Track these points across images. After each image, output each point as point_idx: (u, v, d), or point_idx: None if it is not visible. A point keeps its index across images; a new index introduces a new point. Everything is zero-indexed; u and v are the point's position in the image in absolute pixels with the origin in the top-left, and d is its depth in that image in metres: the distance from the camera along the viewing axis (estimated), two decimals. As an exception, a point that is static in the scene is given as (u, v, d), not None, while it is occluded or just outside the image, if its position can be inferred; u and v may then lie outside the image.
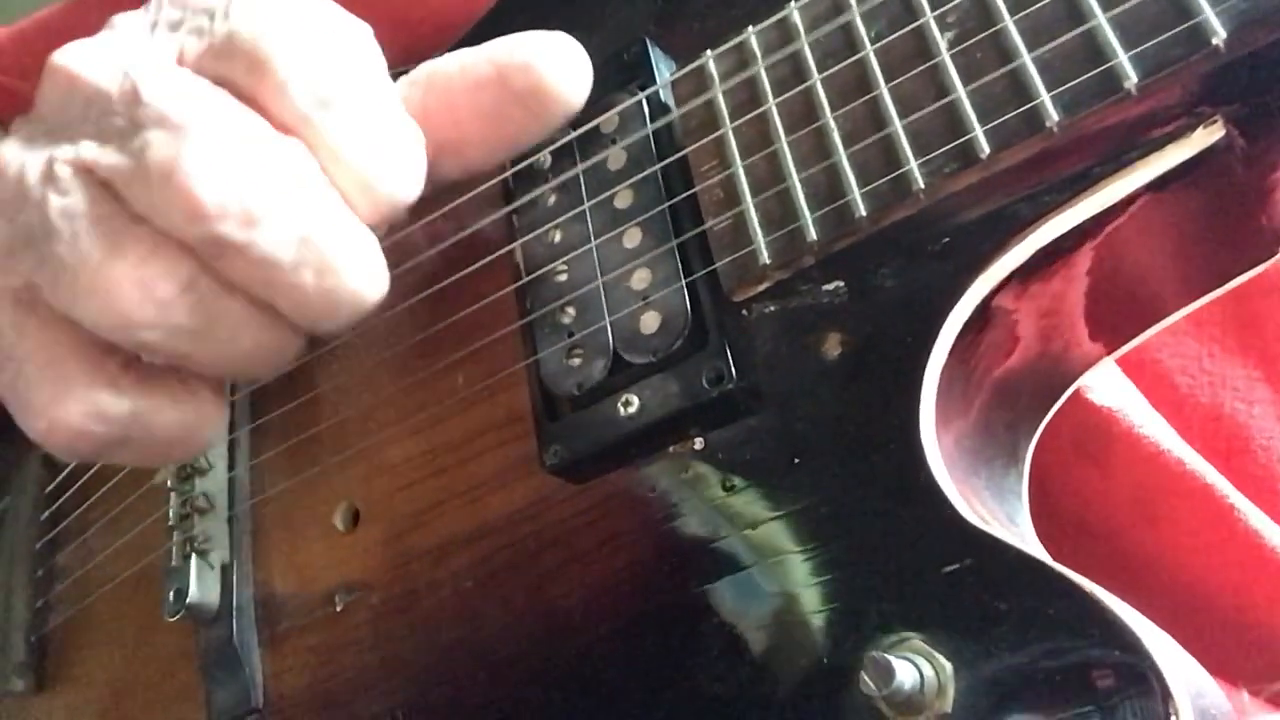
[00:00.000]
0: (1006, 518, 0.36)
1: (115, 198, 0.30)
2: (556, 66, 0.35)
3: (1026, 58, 0.31)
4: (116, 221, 0.30)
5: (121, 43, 0.32)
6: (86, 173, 0.30)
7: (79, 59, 0.32)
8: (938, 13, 0.33)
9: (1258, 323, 0.47)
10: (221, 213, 0.29)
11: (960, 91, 0.31)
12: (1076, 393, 0.40)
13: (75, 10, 0.56)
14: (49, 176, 0.31)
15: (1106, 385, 0.43)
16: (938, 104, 0.32)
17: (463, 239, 0.42)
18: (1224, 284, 0.36)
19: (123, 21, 0.34)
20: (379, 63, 0.34)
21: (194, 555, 0.45)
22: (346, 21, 0.34)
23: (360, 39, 0.34)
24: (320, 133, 0.31)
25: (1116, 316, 0.37)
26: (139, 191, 0.30)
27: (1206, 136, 0.31)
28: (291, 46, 0.31)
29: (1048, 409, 0.39)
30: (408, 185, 0.34)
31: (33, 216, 0.31)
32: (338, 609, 0.43)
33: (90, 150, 0.30)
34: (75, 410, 0.31)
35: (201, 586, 0.44)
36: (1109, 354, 0.39)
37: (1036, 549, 0.33)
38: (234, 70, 0.31)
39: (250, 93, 0.31)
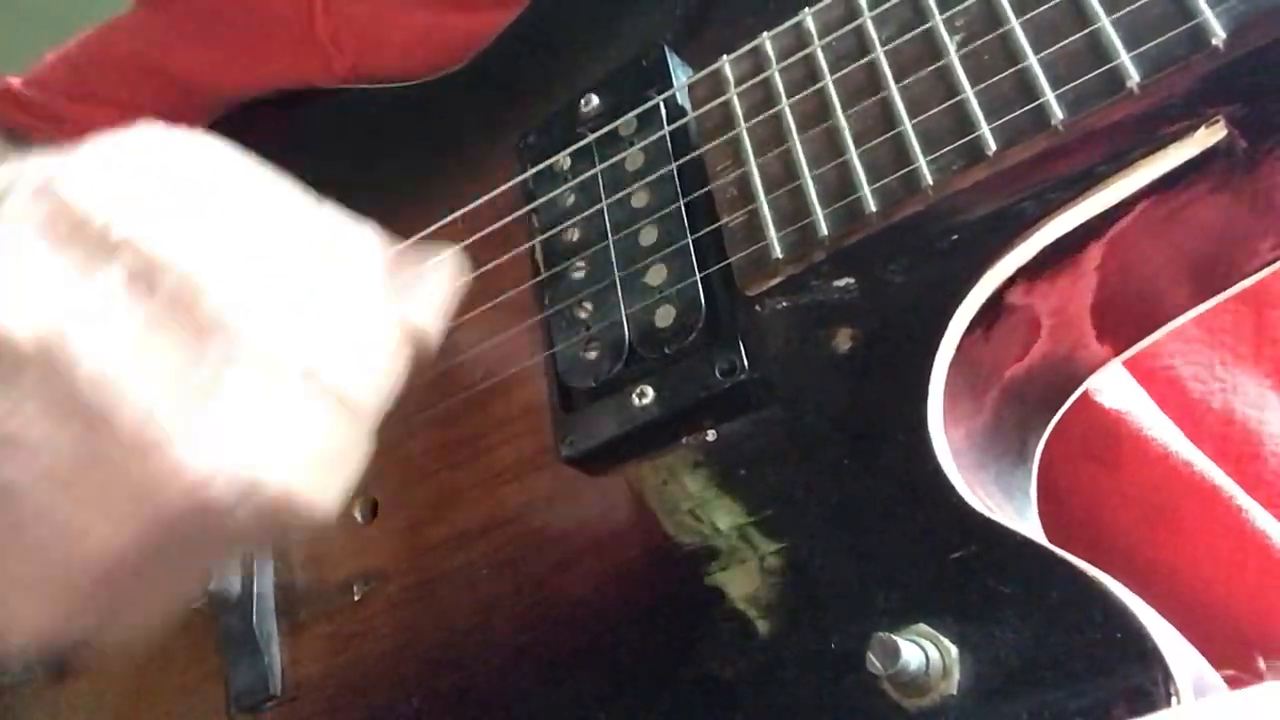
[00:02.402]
0: (1014, 513, 0.36)
1: (79, 464, 0.28)
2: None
3: (1032, 58, 0.32)
4: (83, 496, 0.28)
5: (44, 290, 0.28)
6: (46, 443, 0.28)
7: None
8: (946, 16, 0.34)
9: (1270, 331, 0.47)
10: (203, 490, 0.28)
11: (968, 91, 0.32)
12: (1085, 395, 0.41)
13: (97, 41, 0.58)
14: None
15: (1115, 388, 0.43)
16: (946, 103, 0.33)
17: (481, 238, 0.43)
18: (1229, 286, 0.37)
19: (28, 246, 0.29)
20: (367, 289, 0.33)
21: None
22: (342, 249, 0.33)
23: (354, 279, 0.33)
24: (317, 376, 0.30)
25: (1122, 317, 0.38)
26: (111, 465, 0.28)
27: (1208, 136, 0.32)
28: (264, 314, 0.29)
29: (1056, 409, 0.40)
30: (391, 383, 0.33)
31: None
32: (356, 598, 0.44)
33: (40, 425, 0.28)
34: (43, 631, 0.30)
35: (222, 575, 0.45)
36: (1116, 356, 0.39)
37: (1042, 540, 0.33)
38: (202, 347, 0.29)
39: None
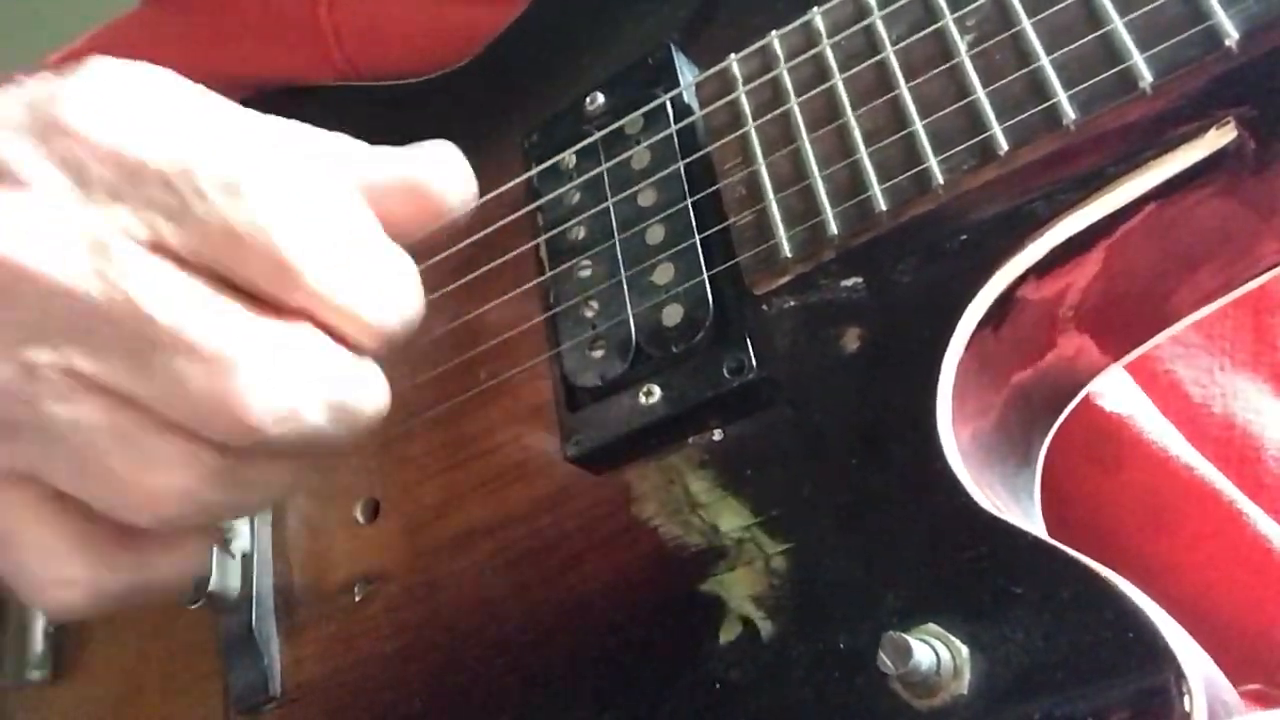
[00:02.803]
0: (1021, 514, 0.36)
1: (136, 409, 0.29)
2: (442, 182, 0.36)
3: (1044, 59, 0.32)
4: (146, 435, 0.29)
5: (69, 221, 0.28)
6: (95, 386, 0.28)
7: (31, 254, 0.28)
8: (957, 15, 0.34)
9: (1269, 336, 0.48)
10: (273, 427, 0.29)
11: (980, 91, 0.32)
12: (1087, 399, 0.41)
13: (99, 40, 0.58)
14: (32, 377, 0.28)
15: (1117, 392, 0.44)
16: (958, 103, 0.33)
17: (486, 236, 0.43)
18: (1234, 289, 0.37)
19: (38, 178, 0.28)
20: (361, 202, 0.33)
21: (215, 544, 0.45)
22: (328, 171, 0.33)
23: (341, 188, 0.32)
24: (335, 309, 0.31)
25: (1127, 320, 0.38)
26: (175, 412, 0.29)
27: (1219, 138, 0.32)
28: (293, 229, 0.30)
29: (1060, 412, 0.40)
30: (412, 314, 0.33)
31: (19, 414, 0.29)
32: (357, 599, 0.44)
33: (87, 362, 0.28)
34: (77, 594, 0.31)
35: (222, 575, 0.45)
36: (1117, 359, 0.39)
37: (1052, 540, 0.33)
38: (238, 264, 0.29)
39: (259, 286, 0.30)
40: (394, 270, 0.33)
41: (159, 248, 0.29)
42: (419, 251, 0.45)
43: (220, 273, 0.29)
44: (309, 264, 0.30)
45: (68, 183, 0.28)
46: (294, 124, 0.34)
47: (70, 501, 0.30)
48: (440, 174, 0.36)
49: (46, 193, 0.28)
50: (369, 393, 0.32)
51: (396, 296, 0.32)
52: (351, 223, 0.32)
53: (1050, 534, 0.36)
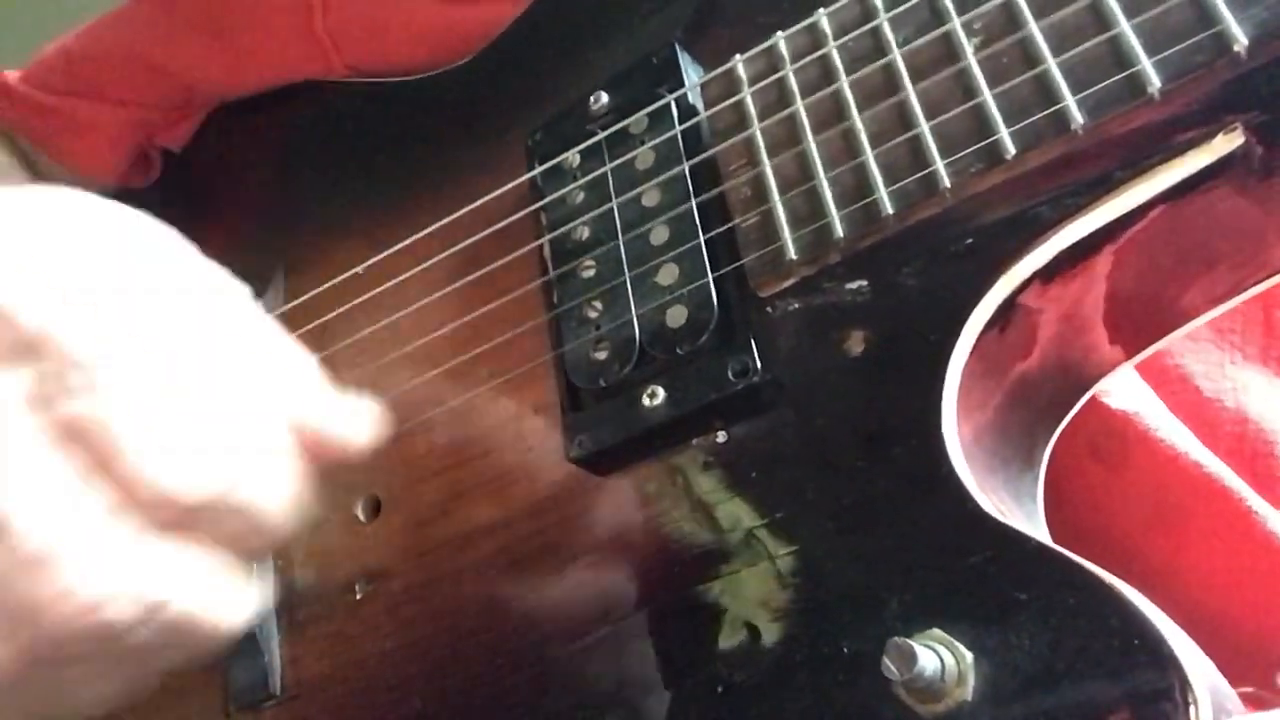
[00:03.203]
0: (1024, 518, 0.36)
1: None
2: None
3: (1051, 62, 0.31)
4: None
5: None
6: None
7: None
8: (964, 19, 0.34)
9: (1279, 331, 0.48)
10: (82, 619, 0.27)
11: (986, 94, 0.32)
12: (1092, 396, 0.41)
13: (92, 35, 0.58)
14: None
15: (1123, 389, 0.43)
16: (964, 106, 0.33)
17: (489, 235, 0.43)
18: (1242, 292, 0.37)
19: None
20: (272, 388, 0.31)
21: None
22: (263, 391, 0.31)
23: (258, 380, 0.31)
24: (198, 505, 0.28)
25: (1135, 322, 0.38)
26: None
27: (1226, 143, 0.32)
28: (137, 419, 0.28)
29: (1065, 413, 0.40)
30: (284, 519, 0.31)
31: None
32: (358, 597, 0.44)
33: None
34: None
35: (223, 573, 0.45)
36: (1127, 359, 0.39)
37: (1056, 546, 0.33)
38: (93, 464, 0.27)
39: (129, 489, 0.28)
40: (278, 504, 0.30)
41: (18, 412, 0.27)
42: (418, 255, 0.45)
43: (67, 454, 0.28)
44: (151, 474, 0.28)
45: None
46: (252, 323, 0.32)
47: None
48: (357, 442, 0.34)
49: None
50: (213, 611, 0.29)
51: (270, 521, 0.30)
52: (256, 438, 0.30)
53: (1054, 532, 0.36)
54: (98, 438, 0.27)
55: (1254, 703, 0.39)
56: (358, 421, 0.33)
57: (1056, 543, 0.35)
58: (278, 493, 0.30)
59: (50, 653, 0.27)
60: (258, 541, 0.30)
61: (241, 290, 0.33)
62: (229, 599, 0.30)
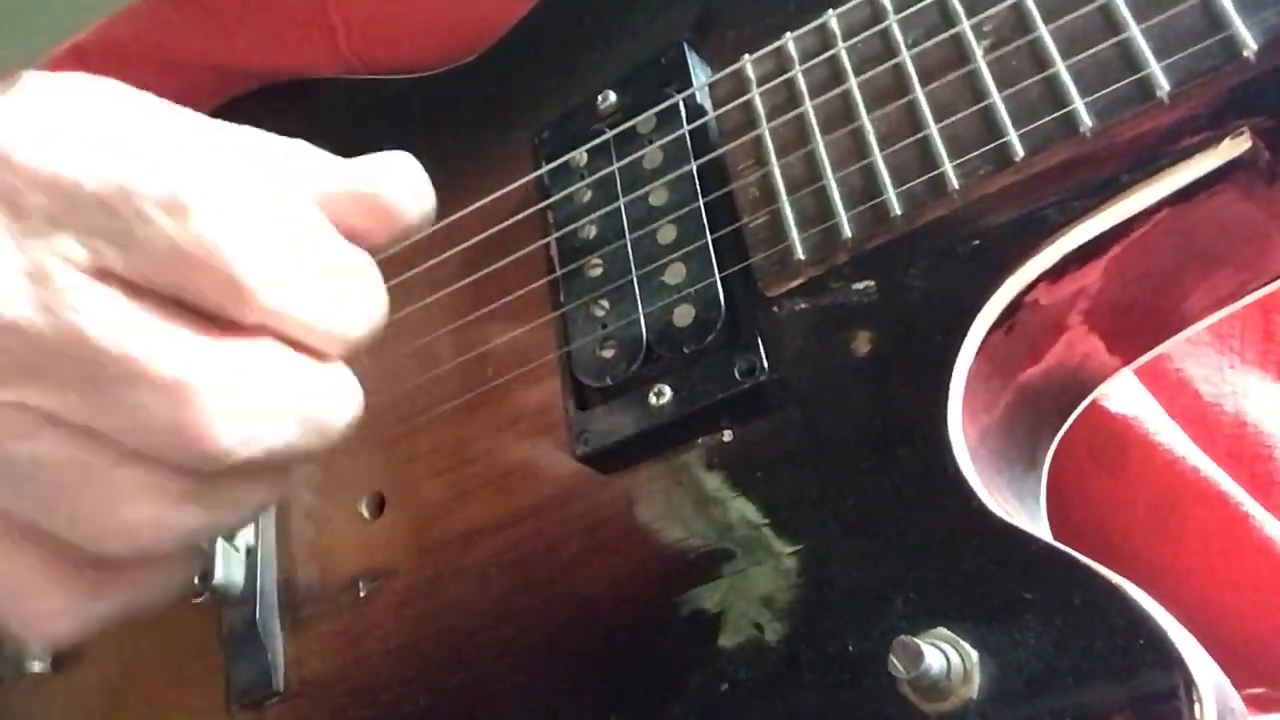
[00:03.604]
0: (1027, 519, 0.36)
1: (97, 441, 0.28)
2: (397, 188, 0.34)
3: (1061, 65, 0.32)
4: (109, 468, 0.28)
5: (6, 254, 0.27)
6: (52, 421, 0.27)
7: None
8: (974, 21, 0.34)
9: (1279, 335, 0.48)
10: (239, 449, 0.28)
11: (996, 96, 0.33)
12: (1093, 401, 0.41)
13: (104, 30, 0.58)
14: None
15: (1122, 393, 0.44)
16: (973, 108, 0.33)
17: (496, 233, 0.43)
18: (1244, 297, 0.37)
19: None
20: (314, 210, 0.32)
21: (220, 539, 0.45)
22: (280, 179, 0.31)
23: (293, 196, 0.31)
24: (294, 322, 0.29)
25: (1138, 325, 0.38)
26: (136, 442, 0.28)
27: (1233, 148, 0.32)
28: (243, 245, 0.28)
29: (1067, 416, 0.40)
30: (377, 319, 0.32)
31: None
32: (361, 595, 0.44)
33: (41, 397, 0.27)
34: (64, 624, 0.30)
35: (226, 569, 0.45)
36: (1127, 364, 0.39)
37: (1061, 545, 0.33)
38: (188, 285, 0.28)
39: (213, 306, 0.28)
40: (353, 276, 0.31)
41: (104, 274, 0.27)
42: (427, 248, 0.45)
43: (171, 294, 0.28)
44: (262, 280, 0.28)
45: (3, 214, 0.27)
46: (245, 131, 0.32)
47: (45, 534, 0.29)
48: (396, 186, 0.34)
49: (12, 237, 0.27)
50: (339, 403, 0.31)
51: (358, 303, 0.31)
52: (304, 231, 0.30)
53: (1055, 536, 0.36)
54: (198, 259, 0.28)
55: (1261, 704, 0.39)
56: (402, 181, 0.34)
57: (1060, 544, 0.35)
58: (366, 312, 0.32)
59: (223, 478, 0.29)
60: (345, 380, 0.32)
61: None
62: (345, 395, 0.31)
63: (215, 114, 0.59)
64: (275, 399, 0.29)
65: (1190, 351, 0.46)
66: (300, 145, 0.33)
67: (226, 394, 0.28)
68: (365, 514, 0.45)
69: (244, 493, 0.30)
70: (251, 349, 0.29)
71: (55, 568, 0.29)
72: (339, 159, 0.34)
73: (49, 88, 0.29)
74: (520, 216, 0.43)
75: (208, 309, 0.28)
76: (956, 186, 0.33)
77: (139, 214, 0.27)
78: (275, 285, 0.29)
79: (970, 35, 0.34)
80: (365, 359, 0.47)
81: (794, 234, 0.35)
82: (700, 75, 0.41)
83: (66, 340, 0.27)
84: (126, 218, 0.27)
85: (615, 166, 0.41)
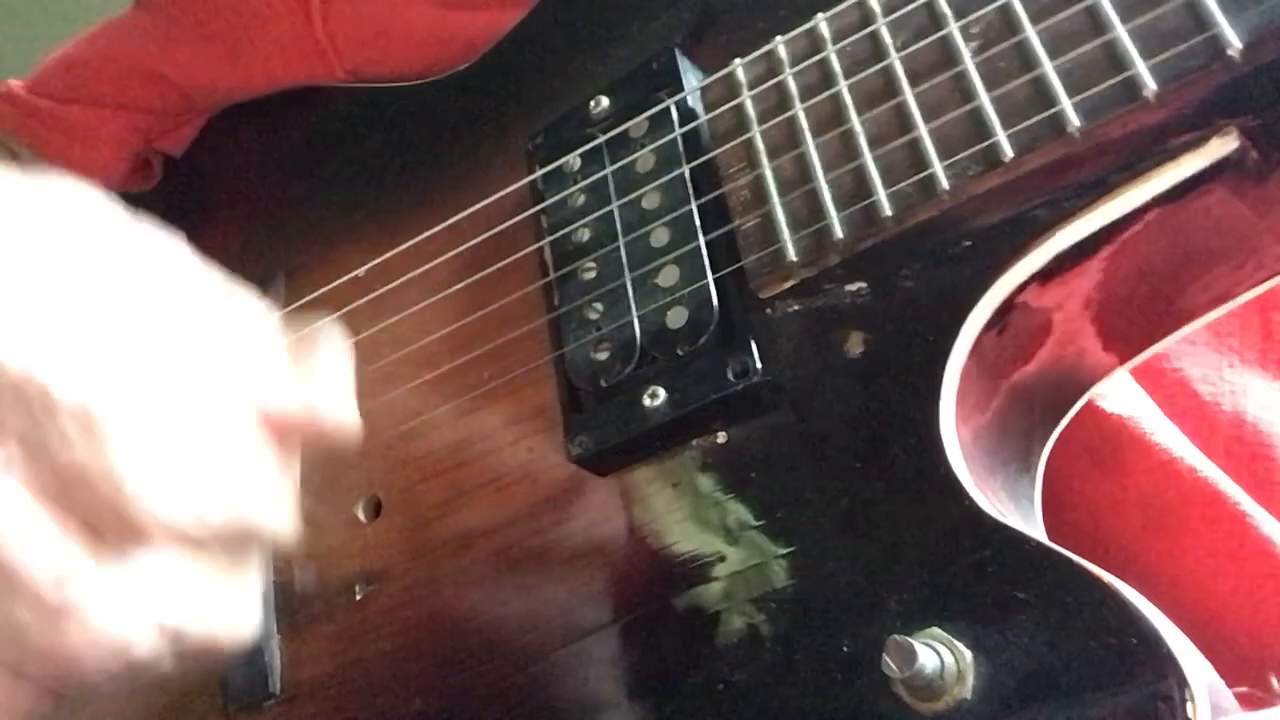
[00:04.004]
0: (1021, 520, 0.36)
1: None
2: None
3: (1048, 65, 0.32)
4: None
5: None
6: None
7: None
8: (962, 23, 0.34)
9: (1278, 333, 0.48)
10: (104, 674, 0.27)
11: (984, 97, 0.33)
12: (1088, 400, 0.41)
13: (92, 43, 0.58)
14: None
15: (1118, 393, 0.44)
16: (962, 109, 0.33)
17: (490, 238, 0.43)
18: (1237, 296, 0.37)
19: None
20: (241, 390, 0.30)
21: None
22: (228, 384, 0.30)
23: (235, 409, 0.30)
24: (196, 549, 0.28)
25: (1131, 325, 0.38)
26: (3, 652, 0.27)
27: (1221, 147, 0.32)
28: (153, 483, 0.27)
29: (1061, 417, 0.40)
30: (281, 520, 0.31)
31: None
32: (358, 597, 0.44)
33: None
34: None
35: (223, 574, 0.45)
36: (1122, 364, 0.39)
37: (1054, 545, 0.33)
38: (90, 506, 0.27)
39: (108, 529, 0.27)
40: (269, 510, 0.30)
41: (10, 469, 0.26)
42: (418, 257, 0.45)
43: (67, 508, 0.27)
44: (164, 521, 0.27)
45: None
46: (220, 301, 0.31)
47: None
48: (337, 412, 0.32)
49: None
50: (227, 625, 0.30)
51: (267, 530, 0.30)
52: (224, 451, 0.29)
53: (1051, 535, 0.37)
54: (99, 482, 0.27)
55: (1250, 702, 0.39)
56: (334, 401, 0.32)
57: (1054, 544, 0.35)
58: (278, 498, 0.30)
59: (75, 690, 0.28)
60: (260, 548, 0.31)
61: (240, 294, 0.32)
62: (243, 609, 0.30)
63: (213, 122, 0.59)
64: (150, 619, 0.27)
65: (1188, 350, 0.46)
66: (259, 323, 0.32)
67: (107, 621, 0.27)
68: (362, 517, 0.46)
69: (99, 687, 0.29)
70: (140, 570, 0.27)
71: None
72: (286, 376, 0.32)
73: (10, 213, 0.28)
74: (514, 221, 0.43)
75: (104, 530, 0.27)
76: (946, 187, 0.33)
77: (54, 422, 0.26)
78: (178, 525, 0.28)
79: (958, 37, 0.34)
80: (361, 363, 0.47)
81: (786, 236, 0.35)
82: (692, 79, 0.41)
83: None
84: (41, 421, 0.26)
85: (608, 170, 0.41)
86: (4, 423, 0.26)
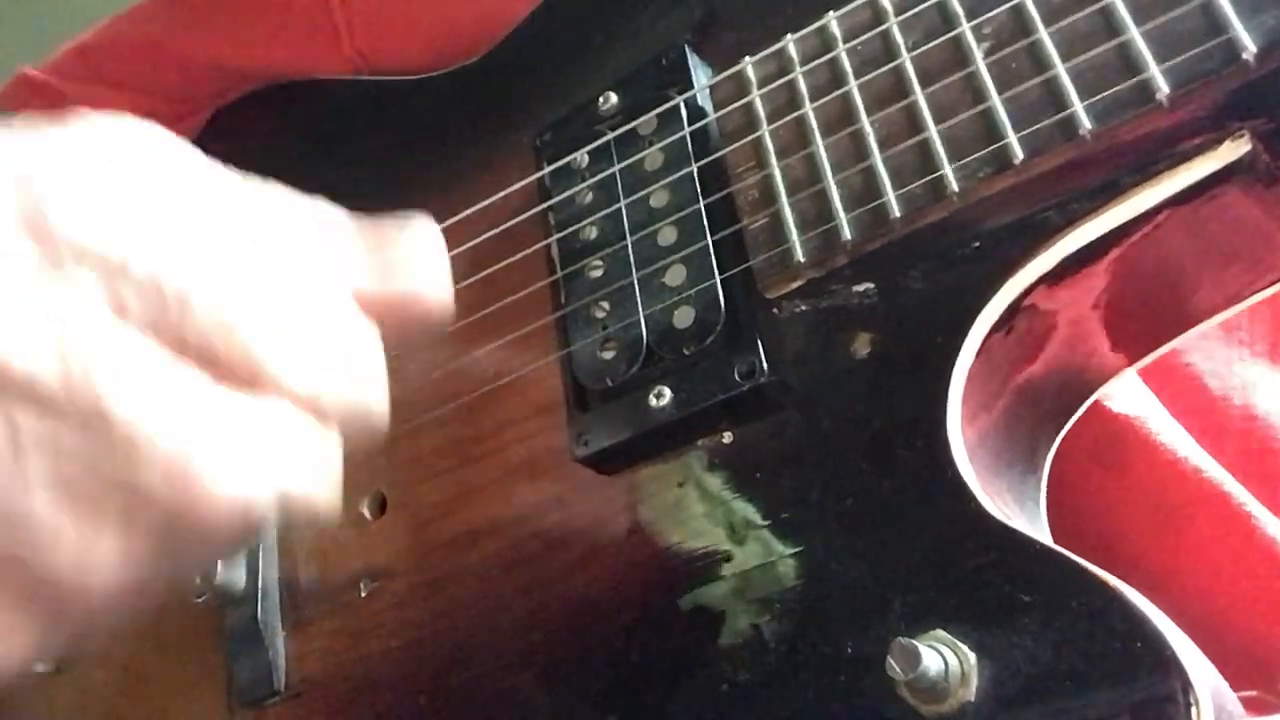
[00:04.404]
0: (1027, 522, 0.36)
1: (80, 481, 0.26)
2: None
3: (1060, 68, 0.32)
4: (92, 499, 0.26)
5: (31, 288, 0.26)
6: (35, 443, 0.25)
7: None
8: (974, 23, 0.34)
9: None
10: (225, 523, 0.26)
11: (995, 99, 0.33)
12: (1095, 401, 0.41)
13: (108, 27, 0.58)
14: None
15: (1124, 393, 0.44)
16: (973, 110, 0.33)
17: (497, 234, 0.43)
18: (1247, 298, 0.37)
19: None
20: (335, 275, 0.30)
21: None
22: (323, 267, 0.30)
23: (335, 291, 0.30)
24: (317, 401, 0.28)
25: (1139, 327, 0.38)
26: (122, 500, 0.26)
27: (1233, 150, 0.32)
28: (283, 333, 0.27)
29: (1068, 418, 0.40)
30: (382, 400, 0.31)
31: None
32: (362, 594, 0.44)
33: (33, 420, 0.25)
34: (17, 645, 0.28)
35: (228, 569, 0.45)
36: (1130, 365, 0.39)
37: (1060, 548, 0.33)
38: (224, 366, 0.27)
39: (244, 382, 0.27)
40: (369, 355, 0.30)
41: (124, 319, 0.26)
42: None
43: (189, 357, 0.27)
44: (293, 370, 0.27)
45: (37, 257, 0.26)
46: (295, 205, 0.31)
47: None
48: (430, 297, 0.32)
49: (9, 263, 0.26)
50: (328, 487, 0.29)
51: (375, 386, 0.30)
52: (335, 327, 0.29)
53: (1056, 536, 0.37)
54: (226, 344, 0.27)
55: (1256, 706, 0.39)
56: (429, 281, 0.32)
57: (1059, 545, 0.35)
58: (371, 385, 0.30)
59: (181, 554, 0.27)
60: (353, 426, 0.30)
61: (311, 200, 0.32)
62: (336, 483, 0.30)
63: (220, 114, 0.59)
64: (269, 475, 0.27)
65: (1199, 345, 0.46)
66: (339, 220, 0.32)
67: (224, 470, 0.26)
68: (367, 514, 0.46)
69: (207, 554, 0.28)
70: (262, 417, 0.27)
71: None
72: (374, 239, 0.32)
73: (92, 134, 0.29)
74: (522, 218, 0.43)
75: (226, 378, 0.27)
76: (956, 189, 0.33)
77: (172, 299, 0.27)
78: (300, 379, 0.28)
79: (970, 37, 0.34)
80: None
81: (794, 236, 0.35)
82: (701, 77, 0.41)
83: (77, 382, 0.25)
84: (159, 301, 0.26)
85: (616, 168, 0.41)
86: (125, 300, 0.26)
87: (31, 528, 0.26)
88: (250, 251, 0.28)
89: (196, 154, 0.31)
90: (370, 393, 0.30)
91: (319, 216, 0.32)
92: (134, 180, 0.28)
